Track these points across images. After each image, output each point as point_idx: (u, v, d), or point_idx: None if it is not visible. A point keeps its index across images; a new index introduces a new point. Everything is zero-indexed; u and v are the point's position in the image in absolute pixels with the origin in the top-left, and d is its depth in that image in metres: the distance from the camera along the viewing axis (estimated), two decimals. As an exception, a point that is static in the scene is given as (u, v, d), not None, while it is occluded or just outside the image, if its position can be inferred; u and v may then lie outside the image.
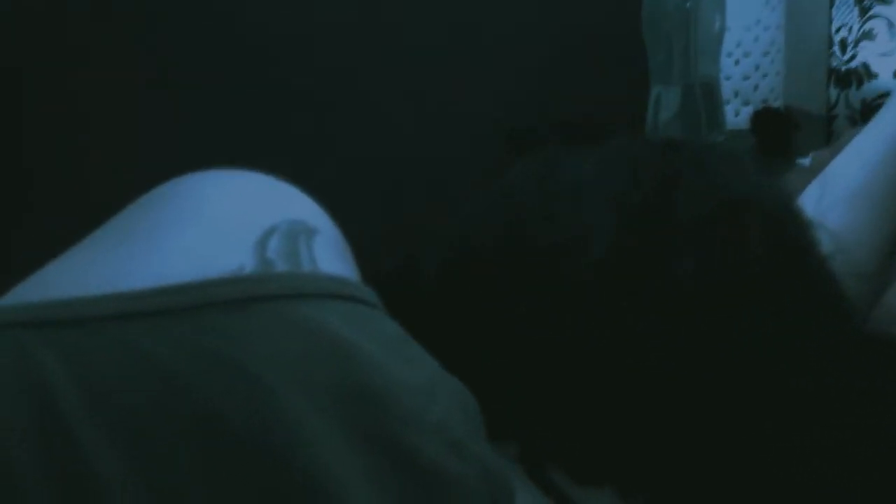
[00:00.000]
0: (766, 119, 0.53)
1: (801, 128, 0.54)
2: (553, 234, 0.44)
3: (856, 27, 1.11)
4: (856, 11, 1.11)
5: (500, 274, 0.44)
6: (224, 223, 0.39)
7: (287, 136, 1.09)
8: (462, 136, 1.11)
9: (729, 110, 1.12)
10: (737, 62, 1.14)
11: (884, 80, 1.07)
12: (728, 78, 1.13)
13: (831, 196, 0.64)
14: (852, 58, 1.11)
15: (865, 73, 1.09)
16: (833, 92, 1.15)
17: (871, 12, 1.09)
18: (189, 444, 0.32)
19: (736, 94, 1.14)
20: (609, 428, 0.42)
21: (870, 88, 1.08)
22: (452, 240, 0.47)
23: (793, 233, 0.47)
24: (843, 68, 1.13)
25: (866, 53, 1.10)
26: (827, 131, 1.14)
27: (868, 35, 1.09)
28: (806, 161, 0.83)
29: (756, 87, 1.14)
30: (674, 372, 0.42)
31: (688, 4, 1.02)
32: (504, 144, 0.55)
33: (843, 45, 1.13)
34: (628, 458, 0.42)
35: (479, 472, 0.35)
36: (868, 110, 1.07)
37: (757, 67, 1.14)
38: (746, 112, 1.14)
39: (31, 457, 0.32)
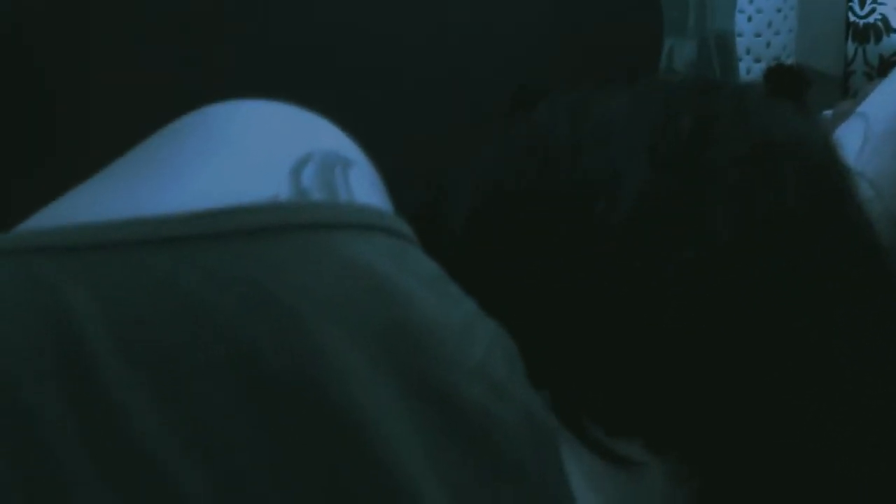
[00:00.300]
0: (778, 76, 0.52)
1: (812, 85, 0.53)
2: (584, 177, 0.43)
3: (876, -20, 1.10)
4: (875, -36, 1.10)
5: (530, 218, 0.42)
6: (255, 151, 0.37)
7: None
8: (465, 89, 1.09)
9: (741, 67, 1.10)
10: (749, 18, 1.12)
11: (903, 35, 1.06)
12: (740, 35, 1.11)
13: (873, 141, 0.63)
14: (871, 12, 1.09)
15: (885, 28, 1.07)
16: (850, 47, 1.13)
17: (890, -35, 1.08)
18: (221, 377, 0.31)
19: (748, 51, 1.12)
20: (636, 381, 0.41)
21: (888, 43, 1.07)
22: (481, 181, 0.46)
23: (833, 179, 0.46)
24: (862, 23, 1.11)
25: (886, 7, 1.08)
26: (844, 87, 1.13)
27: (888, -12, 1.08)
28: (828, 114, 0.81)
29: (768, 44, 1.12)
30: (703, 325, 0.40)
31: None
32: (511, 103, 0.54)
33: (863, -2, 1.12)
34: (654, 413, 0.41)
35: (521, 416, 0.33)
36: (885, 66, 1.06)
37: (769, 24, 1.12)
38: (758, 69, 1.12)
39: (55, 394, 0.30)
